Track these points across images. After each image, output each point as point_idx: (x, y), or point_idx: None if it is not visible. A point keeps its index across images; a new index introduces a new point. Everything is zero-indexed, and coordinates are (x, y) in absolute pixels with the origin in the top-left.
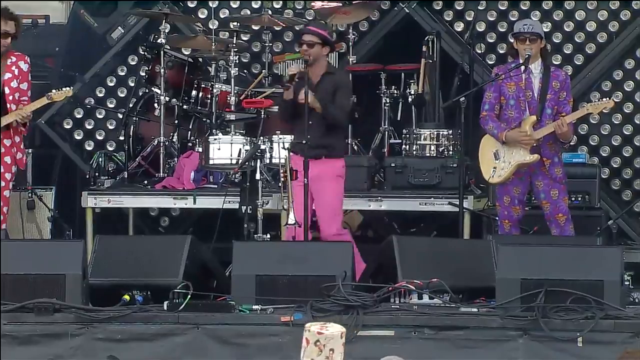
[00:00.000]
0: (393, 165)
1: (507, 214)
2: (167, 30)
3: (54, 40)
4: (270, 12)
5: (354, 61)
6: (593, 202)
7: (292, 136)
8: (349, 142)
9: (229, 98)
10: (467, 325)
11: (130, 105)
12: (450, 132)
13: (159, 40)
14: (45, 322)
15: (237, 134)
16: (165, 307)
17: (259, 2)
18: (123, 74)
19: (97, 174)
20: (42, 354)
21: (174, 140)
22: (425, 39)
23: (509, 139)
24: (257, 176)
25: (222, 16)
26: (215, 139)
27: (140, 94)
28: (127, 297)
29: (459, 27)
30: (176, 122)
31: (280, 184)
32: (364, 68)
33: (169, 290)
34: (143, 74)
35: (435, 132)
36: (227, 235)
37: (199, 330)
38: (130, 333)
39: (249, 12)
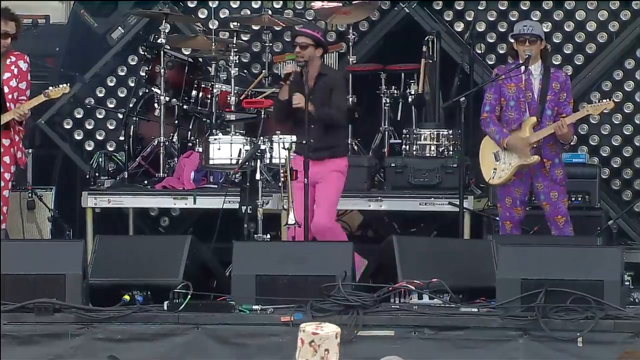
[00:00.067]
0: (393, 165)
1: (509, 215)
2: (167, 30)
3: (54, 40)
4: (270, 12)
5: (354, 61)
6: (593, 202)
7: (294, 137)
8: (349, 142)
9: (229, 98)
10: (467, 326)
11: (131, 105)
12: (451, 132)
13: (159, 40)
14: (45, 322)
15: (237, 134)
16: (165, 307)
17: (259, 2)
18: (123, 74)
19: (97, 174)
20: (42, 354)
21: (174, 140)
22: (426, 39)
23: (510, 147)
24: (257, 176)
25: (222, 16)
26: (215, 139)
27: (141, 94)
28: (127, 297)
29: (459, 27)
30: (176, 122)
31: (280, 184)
32: (364, 68)
33: (169, 290)
34: (143, 74)
35: (436, 132)
36: (227, 235)
37: (199, 330)
38: (130, 333)
39: (249, 12)
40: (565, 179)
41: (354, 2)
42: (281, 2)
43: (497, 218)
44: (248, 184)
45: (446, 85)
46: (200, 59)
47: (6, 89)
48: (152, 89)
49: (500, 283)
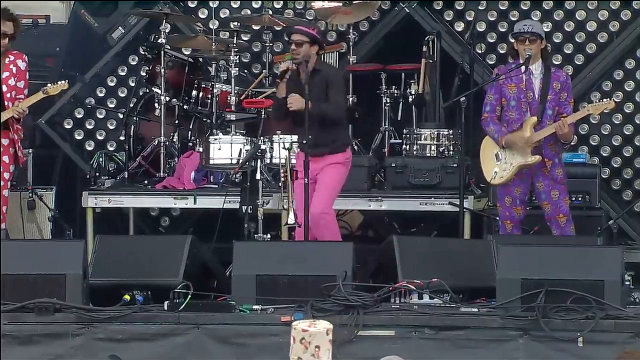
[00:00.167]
0: (393, 165)
1: (509, 215)
2: (167, 30)
3: (54, 40)
4: (270, 12)
5: (355, 61)
6: (593, 202)
7: (294, 137)
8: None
9: (229, 98)
10: (467, 325)
11: (131, 105)
12: (451, 132)
13: (159, 40)
14: (45, 322)
15: (238, 134)
16: (165, 307)
17: (260, 2)
18: (123, 74)
19: (97, 174)
20: (42, 354)
21: (175, 140)
22: (426, 39)
23: (508, 144)
24: (258, 176)
25: (222, 16)
26: (215, 139)
27: (141, 94)
28: (127, 297)
29: (460, 27)
30: (176, 122)
31: (280, 184)
32: (365, 68)
33: (170, 290)
34: (143, 74)
35: (436, 132)
36: (227, 235)
37: (200, 330)
38: (130, 333)
39: (249, 12)
40: (566, 178)
41: (354, 2)
42: (281, 2)
43: (497, 218)
44: (248, 184)
45: (446, 85)
46: (201, 59)
47: (5, 88)
48: (153, 88)
49: (501, 283)
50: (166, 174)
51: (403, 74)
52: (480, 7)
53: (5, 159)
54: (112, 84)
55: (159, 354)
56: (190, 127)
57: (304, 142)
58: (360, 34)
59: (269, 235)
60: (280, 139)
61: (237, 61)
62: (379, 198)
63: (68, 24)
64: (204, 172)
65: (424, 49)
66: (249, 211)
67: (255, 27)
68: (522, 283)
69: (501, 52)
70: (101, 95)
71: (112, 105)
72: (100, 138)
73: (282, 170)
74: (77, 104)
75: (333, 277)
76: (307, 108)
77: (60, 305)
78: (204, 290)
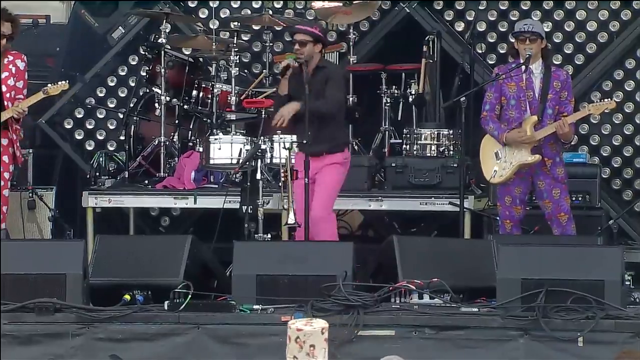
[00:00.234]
0: (393, 165)
1: (509, 214)
2: (167, 30)
3: (54, 40)
4: (270, 12)
5: (355, 61)
6: (594, 202)
7: (294, 136)
8: (350, 141)
9: (229, 98)
10: (467, 325)
11: (131, 105)
12: (451, 132)
13: (159, 40)
14: (46, 322)
15: (238, 133)
16: (165, 307)
17: (260, 2)
18: (124, 73)
19: (97, 174)
20: (42, 353)
21: (175, 140)
22: (426, 38)
23: (509, 141)
24: (258, 176)
25: (222, 16)
26: (215, 139)
27: (141, 93)
28: (127, 296)
29: (460, 26)
30: (177, 122)
31: (280, 184)
32: (365, 68)
33: (170, 290)
34: (144, 73)
35: (436, 132)
36: (227, 235)
37: (200, 330)
38: (131, 333)
39: (249, 12)
40: (567, 177)
41: (354, 2)
42: (282, 2)
43: (498, 218)
44: (249, 184)
45: (447, 85)
46: (201, 59)
47: (4, 88)
48: (153, 88)
49: (501, 283)
50: (166, 174)
51: (403, 73)
52: (480, 7)
53: (5, 158)
54: (112, 84)
55: (159, 353)
56: (191, 127)
57: (304, 142)
58: (361, 33)
59: (269, 235)
60: (281, 138)
61: (238, 61)
62: (379, 198)
63: (68, 24)
64: (204, 172)
65: (424, 48)
66: (249, 211)
67: (256, 27)
68: (522, 283)
69: (501, 52)
70: (101, 95)
71: (112, 105)
72: (100, 138)
73: (282, 170)
74: (77, 104)
75: (333, 277)
76: (307, 108)
77: (60, 305)
78: (204, 290)
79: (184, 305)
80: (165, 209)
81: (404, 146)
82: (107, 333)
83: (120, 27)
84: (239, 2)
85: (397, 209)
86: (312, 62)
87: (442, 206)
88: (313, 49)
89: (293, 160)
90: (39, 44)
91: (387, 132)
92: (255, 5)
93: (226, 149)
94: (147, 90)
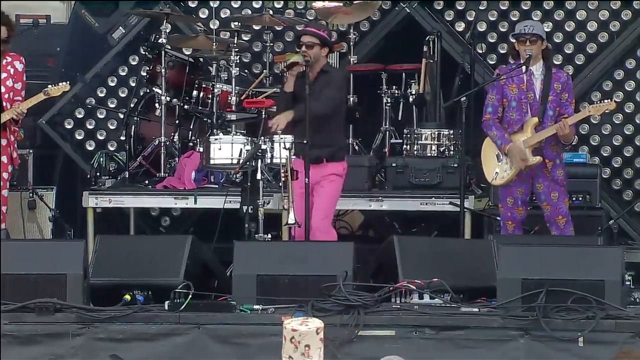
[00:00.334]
0: (394, 165)
1: (511, 215)
2: (168, 30)
3: (55, 40)
4: (271, 12)
5: (355, 61)
6: (594, 202)
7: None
8: (350, 142)
9: (229, 98)
10: (468, 325)
11: (131, 105)
12: (451, 132)
13: (159, 40)
14: (46, 322)
15: (238, 133)
16: (166, 307)
17: (260, 2)
18: (124, 74)
19: (98, 174)
20: (43, 353)
21: (175, 140)
22: (426, 38)
23: (510, 154)
24: (258, 176)
25: (223, 16)
26: (216, 139)
27: (141, 94)
28: (128, 297)
29: (460, 27)
30: (177, 122)
31: (280, 184)
32: (365, 68)
33: (170, 290)
34: (144, 74)
35: (436, 132)
36: (228, 235)
37: (200, 330)
38: (131, 333)
39: (250, 12)
40: (566, 179)
41: (354, 2)
42: (282, 2)
43: (498, 218)
44: (249, 184)
45: (447, 85)
46: (201, 59)
47: (3, 89)
48: (153, 89)
49: (501, 283)
50: (167, 174)
51: (404, 73)
52: (480, 7)
53: (4, 159)
54: (112, 84)
55: (159, 353)
56: (191, 127)
57: (304, 142)
58: (361, 34)
59: (269, 235)
60: (281, 139)
61: (238, 61)
62: (380, 198)
63: (68, 24)
64: (204, 172)
65: (425, 49)
66: (249, 211)
67: (256, 27)
68: (522, 283)
69: (502, 52)
70: (102, 95)
71: (112, 105)
72: (100, 138)
73: (282, 170)
74: (77, 104)
75: (333, 277)
76: (307, 108)
77: (60, 305)
78: (205, 290)
79: (184, 305)
80: (165, 209)
81: (405, 146)
82: (107, 333)
83: (120, 27)
84: (239, 2)
85: (397, 209)
86: (317, 65)
87: (443, 206)
88: (320, 52)
89: (294, 159)
90: (40, 44)
91: (387, 132)
92: (256, 5)
93: (226, 149)
94: (148, 91)
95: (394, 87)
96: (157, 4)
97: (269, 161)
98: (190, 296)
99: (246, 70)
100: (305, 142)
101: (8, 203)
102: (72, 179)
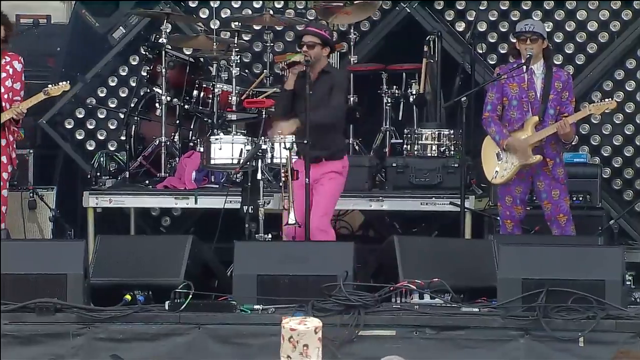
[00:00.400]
0: (394, 165)
1: (510, 214)
2: (168, 30)
3: (55, 40)
4: (271, 11)
5: (355, 61)
6: (594, 202)
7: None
8: (350, 142)
9: (230, 98)
10: (468, 325)
11: (132, 105)
12: (452, 132)
13: (160, 40)
14: (46, 322)
15: (239, 133)
16: (166, 307)
17: (260, 1)
18: (124, 73)
19: (98, 174)
20: (43, 353)
21: (176, 140)
22: (427, 38)
23: (509, 148)
24: (259, 176)
25: (223, 16)
26: (216, 139)
27: (142, 93)
28: (128, 297)
29: (460, 27)
30: (177, 122)
31: (281, 184)
32: (365, 68)
33: (171, 290)
34: (144, 73)
35: (437, 132)
36: (228, 235)
37: (201, 330)
38: (131, 333)
39: (250, 12)
40: (566, 177)
41: (355, 2)
42: (282, 1)
43: (498, 218)
44: (249, 184)
45: (447, 85)
46: (202, 59)
47: (2, 89)
48: (154, 88)
49: (502, 283)
50: (167, 174)
51: (404, 73)
52: (481, 7)
53: (4, 159)
54: (113, 84)
55: (160, 353)
56: (191, 127)
57: (305, 142)
58: (361, 33)
59: (269, 235)
60: (281, 139)
61: (238, 61)
62: (380, 198)
63: (69, 23)
64: (205, 172)
65: (425, 48)
66: (250, 211)
67: (256, 27)
68: (523, 283)
69: (502, 52)
70: (102, 95)
71: (113, 105)
72: (101, 138)
73: (282, 170)
74: (78, 104)
75: (334, 277)
76: (307, 108)
77: (61, 305)
78: (205, 290)
79: (184, 305)
80: (166, 209)
81: (405, 146)
82: (107, 333)
83: (121, 27)
84: (239, 2)
85: (397, 209)
86: (318, 66)
87: (443, 206)
88: (321, 52)
89: (294, 159)
90: (40, 44)
91: (387, 132)
92: (256, 5)
93: (227, 149)
94: (148, 90)
95: (395, 87)
96: (157, 3)
97: (269, 161)
98: (190, 296)
99: (246, 70)
100: (305, 142)
101: (8, 203)
102: (72, 179)
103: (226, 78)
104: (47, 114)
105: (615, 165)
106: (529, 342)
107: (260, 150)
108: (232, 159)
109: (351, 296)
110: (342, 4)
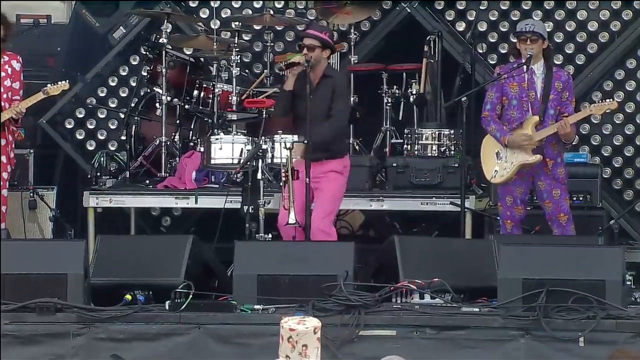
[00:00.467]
0: (395, 165)
1: (510, 214)
2: (168, 30)
3: (55, 40)
4: (271, 11)
5: (356, 61)
6: (595, 202)
7: (295, 136)
8: (351, 141)
9: (230, 98)
10: (468, 325)
11: (132, 105)
12: (452, 131)
13: (160, 40)
14: (47, 321)
15: (239, 133)
16: (167, 307)
17: (261, 1)
18: (125, 73)
19: (98, 174)
20: (43, 353)
21: (176, 140)
22: (427, 38)
23: (511, 144)
24: (259, 176)
25: (223, 16)
26: (216, 139)
27: (142, 93)
28: (129, 296)
29: (461, 26)
30: (178, 121)
31: (281, 184)
32: (366, 68)
33: (171, 290)
34: (145, 73)
35: (437, 132)
36: (228, 235)
37: (201, 330)
38: (132, 333)
39: (250, 12)
40: (567, 177)
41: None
42: (283, 1)
43: (499, 218)
44: (250, 184)
45: (448, 85)
46: (202, 59)
47: (1, 89)
48: (154, 88)
49: (502, 283)
50: (167, 174)
51: (404, 73)
52: (481, 7)
53: (4, 159)
54: (113, 84)
55: (160, 353)
56: (192, 126)
57: (305, 141)
58: (362, 33)
59: (270, 235)
60: (282, 138)
61: (238, 61)
62: (381, 198)
63: (69, 23)
64: (205, 172)
65: (425, 48)
66: (250, 211)
67: (257, 27)
68: (523, 283)
69: (502, 51)
70: (102, 95)
71: (113, 105)
72: (101, 138)
73: (283, 170)
74: (78, 104)
75: (334, 277)
76: (308, 108)
77: (61, 305)
78: (205, 290)
79: (185, 305)
80: (166, 209)
81: (405, 146)
82: (108, 333)
83: (121, 27)
84: (240, 2)
85: (398, 209)
86: (319, 68)
87: (443, 206)
88: (321, 54)
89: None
90: (40, 44)
91: (388, 132)
92: (257, 5)
93: (227, 148)
94: (148, 90)
95: (395, 87)
96: (157, 3)
97: (269, 161)
98: (191, 296)
99: (247, 70)
100: (305, 142)
101: (8, 203)
102: (72, 178)
103: (226, 78)
104: (47, 113)
105: (616, 165)
106: (529, 342)
107: (260, 150)
108: (233, 158)
109: (351, 296)
110: (342, 4)
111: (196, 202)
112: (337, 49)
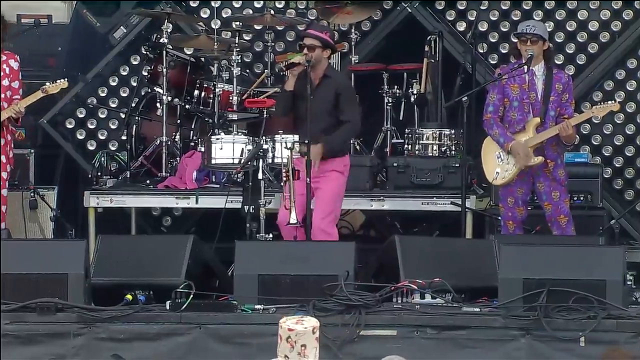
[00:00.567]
0: (395, 165)
1: (511, 215)
2: (169, 30)
3: (56, 40)
4: (272, 11)
5: (356, 61)
6: (595, 202)
7: (296, 136)
8: (351, 141)
9: (231, 98)
10: (469, 325)
11: (133, 105)
12: (453, 131)
13: (161, 40)
14: (47, 321)
15: (240, 133)
16: (167, 307)
17: (261, 1)
18: (125, 73)
19: (99, 174)
20: (44, 353)
21: (177, 139)
22: (428, 38)
23: (514, 151)
24: (260, 176)
25: (224, 16)
26: (217, 139)
27: (143, 93)
28: (129, 296)
29: (461, 26)
30: (178, 121)
31: (282, 184)
32: (366, 68)
33: (172, 290)
34: (145, 73)
35: (438, 132)
36: (229, 235)
37: (201, 329)
38: (132, 333)
39: (251, 12)
40: (567, 179)
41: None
42: (283, 1)
43: (499, 218)
44: (250, 184)
45: (448, 85)
46: (203, 59)
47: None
48: (155, 88)
49: (503, 283)
50: (168, 174)
51: (405, 73)
52: (482, 7)
53: (3, 159)
54: (114, 84)
55: (160, 353)
56: (192, 126)
57: (306, 141)
58: (362, 33)
59: (270, 235)
60: (282, 138)
61: (239, 61)
62: (381, 198)
63: (70, 23)
64: (206, 171)
65: (426, 48)
66: (251, 211)
67: (257, 27)
68: (524, 283)
69: (503, 51)
70: (103, 94)
71: (114, 105)
72: (102, 138)
73: (283, 170)
74: (79, 104)
75: (335, 276)
76: (308, 108)
77: (62, 304)
78: (206, 290)
79: (185, 305)
80: (167, 209)
81: (406, 146)
82: (108, 333)
83: (122, 27)
84: (240, 1)
85: (399, 209)
86: (319, 68)
87: (444, 206)
88: (321, 54)
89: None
90: (41, 44)
91: (388, 132)
92: (257, 5)
93: (228, 148)
94: (149, 90)
95: (396, 86)
96: (158, 3)
97: (270, 161)
98: (191, 296)
99: (247, 70)
100: (306, 142)
101: (9, 203)
102: (73, 178)
103: (227, 78)
104: (48, 113)
105: (616, 165)
106: (530, 342)
107: (261, 150)
108: (233, 158)
109: (352, 296)
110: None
111: (197, 202)
112: (337, 49)
